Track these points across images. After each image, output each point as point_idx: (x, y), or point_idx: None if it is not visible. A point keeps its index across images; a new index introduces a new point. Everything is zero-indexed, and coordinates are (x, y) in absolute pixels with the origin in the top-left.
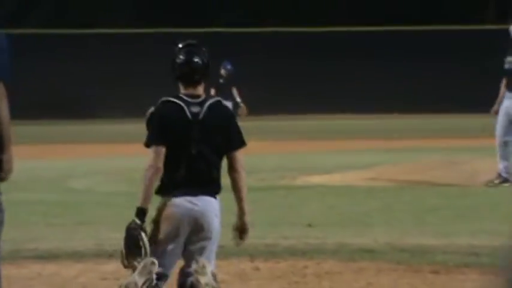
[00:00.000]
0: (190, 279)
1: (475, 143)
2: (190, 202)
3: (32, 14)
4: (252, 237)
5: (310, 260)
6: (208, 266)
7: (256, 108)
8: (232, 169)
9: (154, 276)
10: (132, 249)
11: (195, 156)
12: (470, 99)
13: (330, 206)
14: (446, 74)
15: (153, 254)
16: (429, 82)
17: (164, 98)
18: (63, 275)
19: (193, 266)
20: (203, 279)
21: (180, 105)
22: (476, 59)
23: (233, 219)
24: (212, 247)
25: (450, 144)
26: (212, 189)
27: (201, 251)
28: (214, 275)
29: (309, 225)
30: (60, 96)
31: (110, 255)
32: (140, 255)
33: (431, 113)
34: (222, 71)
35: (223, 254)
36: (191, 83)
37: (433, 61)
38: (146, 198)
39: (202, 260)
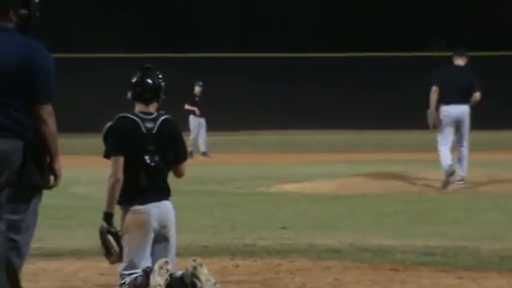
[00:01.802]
0: (190, 278)
1: (423, 156)
2: (157, 207)
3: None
4: (233, 238)
5: (284, 259)
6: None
7: (239, 125)
8: (177, 175)
9: (168, 273)
10: (105, 249)
11: (151, 167)
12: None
13: (302, 211)
14: (406, 95)
15: (135, 256)
16: (384, 102)
17: (121, 114)
18: (65, 271)
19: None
20: (202, 276)
21: (135, 120)
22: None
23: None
24: (174, 240)
25: (404, 157)
26: (168, 193)
27: (167, 244)
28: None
29: (283, 228)
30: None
31: None
32: (111, 254)
33: (388, 129)
34: (197, 89)
35: (207, 253)
36: (144, 101)
37: (396, 83)
38: (111, 204)
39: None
